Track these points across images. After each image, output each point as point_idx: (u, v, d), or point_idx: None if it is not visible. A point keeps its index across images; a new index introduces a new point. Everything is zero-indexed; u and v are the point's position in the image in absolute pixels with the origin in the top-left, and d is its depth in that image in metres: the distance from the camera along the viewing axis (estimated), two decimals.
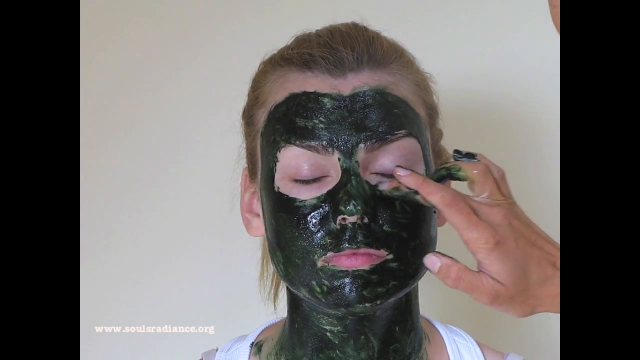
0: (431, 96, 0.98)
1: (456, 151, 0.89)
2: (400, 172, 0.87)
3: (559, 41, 0.89)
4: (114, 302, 1.38)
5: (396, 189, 0.87)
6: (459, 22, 1.34)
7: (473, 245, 0.84)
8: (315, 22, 0.99)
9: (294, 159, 0.91)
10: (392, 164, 0.90)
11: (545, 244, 0.86)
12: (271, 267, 1.08)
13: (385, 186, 0.88)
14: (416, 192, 0.86)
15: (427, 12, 1.35)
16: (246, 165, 1.01)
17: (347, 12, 1.01)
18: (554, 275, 0.85)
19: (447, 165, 0.87)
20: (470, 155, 0.88)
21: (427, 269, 0.87)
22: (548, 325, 1.31)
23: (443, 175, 0.88)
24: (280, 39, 0.99)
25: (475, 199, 0.86)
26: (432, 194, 0.84)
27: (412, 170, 0.87)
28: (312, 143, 0.90)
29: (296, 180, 0.91)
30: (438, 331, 1.02)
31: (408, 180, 0.86)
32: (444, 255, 0.86)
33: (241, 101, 1.01)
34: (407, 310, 0.96)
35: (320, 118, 0.91)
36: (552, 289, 0.85)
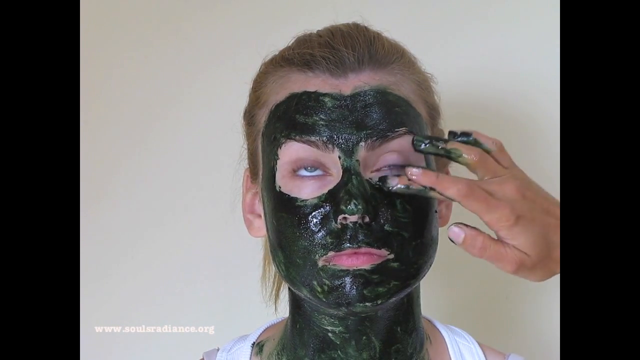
0: (432, 96, 0.98)
1: (451, 132, 0.89)
2: (414, 172, 0.86)
3: (559, 41, 0.89)
4: (114, 302, 1.38)
5: (406, 185, 0.87)
6: (459, 23, 1.34)
7: (495, 226, 0.85)
8: (316, 22, 0.99)
9: (294, 154, 0.91)
10: (392, 161, 0.90)
11: (557, 209, 0.87)
12: (273, 269, 1.08)
13: (394, 183, 0.88)
14: (432, 189, 0.86)
15: (427, 12, 1.35)
16: (247, 166, 1.01)
17: (348, 12, 1.01)
18: None
19: (448, 147, 0.87)
20: (466, 134, 0.88)
21: (451, 239, 0.87)
22: (548, 325, 1.31)
23: (440, 155, 0.88)
24: (282, 39, 0.99)
25: (486, 179, 0.86)
26: (448, 189, 0.85)
27: (423, 168, 0.87)
28: (312, 138, 0.90)
29: (297, 177, 0.91)
30: (439, 332, 1.02)
31: (422, 179, 0.86)
32: (467, 225, 0.86)
33: (242, 102, 1.01)
34: (408, 311, 0.96)
35: (321, 116, 0.91)
36: None
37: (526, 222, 0.85)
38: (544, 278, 0.88)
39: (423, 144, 0.88)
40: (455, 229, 0.86)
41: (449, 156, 0.87)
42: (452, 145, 0.87)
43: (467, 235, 0.86)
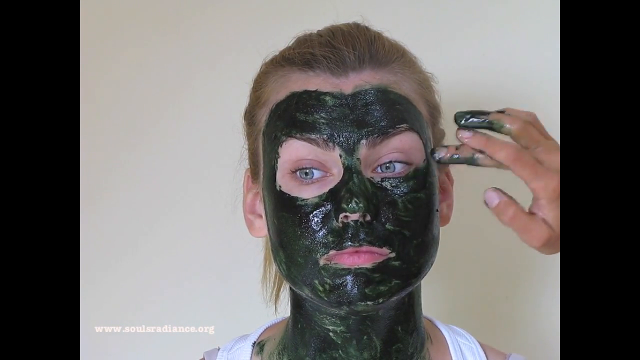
0: (433, 95, 0.98)
1: (484, 113, 0.87)
2: (464, 134, 0.85)
3: (559, 41, 0.89)
4: (114, 302, 1.38)
5: (456, 154, 0.86)
6: (459, 23, 1.34)
7: (540, 193, 0.83)
8: (316, 22, 1.00)
9: (295, 152, 0.91)
10: (393, 159, 0.90)
11: None
12: (273, 269, 1.08)
13: (443, 154, 0.87)
14: (481, 152, 0.85)
15: (427, 12, 1.35)
16: (248, 166, 1.01)
17: (349, 12, 1.01)
18: None
19: (490, 119, 0.86)
20: (499, 112, 0.87)
21: (485, 203, 0.85)
22: (548, 325, 1.31)
23: (483, 127, 0.86)
24: (282, 39, 0.99)
25: (533, 148, 0.85)
26: (497, 152, 0.83)
27: (475, 132, 0.86)
28: (313, 136, 0.90)
29: (298, 176, 0.91)
30: (440, 331, 1.02)
31: (473, 141, 0.85)
32: (504, 193, 0.85)
33: (243, 102, 1.01)
34: (409, 311, 0.96)
35: (322, 114, 0.91)
36: None
37: None
38: (556, 252, 0.87)
39: (465, 119, 0.86)
40: (492, 193, 0.84)
41: (492, 127, 0.86)
42: (494, 117, 0.86)
43: (501, 202, 0.84)
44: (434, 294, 1.26)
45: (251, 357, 1.01)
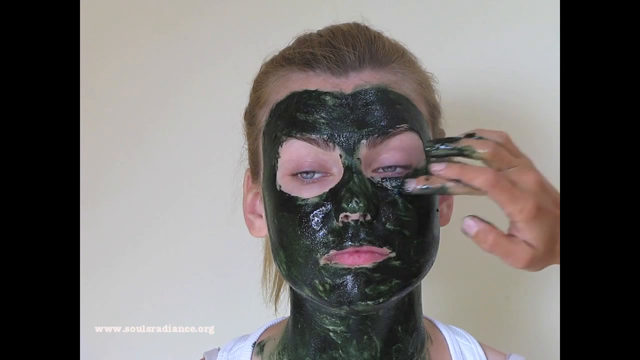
0: (433, 95, 0.98)
1: (454, 138, 0.88)
2: (437, 167, 0.86)
3: (559, 41, 0.89)
4: (114, 302, 1.38)
5: (425, 185, 0.86)
6: (459, 23, 1.34)
7: (516, 217, 0.84)
8: (316, 23, 1.00)
9: (295, 152, 0.91)
10: (394, 159, 0.90)
11: (559, 200, 0.87)
12: (273, 270, 1.08)
13: (413, 185, 0.87)
14: (457, 181, 0.85)
15: (427, 12, 1.35)
16: (248, 167, 1.01)
17: (349, 12, 1.01)
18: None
19: (460, 145, 0.86)
20: (470, 135, 0.88)
21: (463, 231, 0.86)
22: (548, 325, 1.31)
23: (454, 155, 0.87)
24: (282, 39, 0.99)
25: (507, 171, 0.86)
26: (474, 179, 0.84)
27: (447, 161, 0.86)
28: (313, 136, 0.90)
29: (298, 176, 0.91)
30: (440, 331, 1.02)
31: (448, 172, 0.85)
32: (481, 219, 0.86)
33: (243, 102, 1.01)
34: (410, 311, 0.96)
35: (322, 114, 0.91)
36: None
37: (544, 214, 0.85)
38: (540, 269, 0.88)
39: (434, 148, 0.87)
40: (470, 222, 0.86)
41: (462, 154, 0.87)
42: (464, 143, 0.86)
43: (480, 230, 0.85)
44: (434, 294, 1.26)
45: (251, 358, 1.01)
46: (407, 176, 0.91)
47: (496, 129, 0.89)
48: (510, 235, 0.86)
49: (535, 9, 1.33)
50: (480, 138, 0.87)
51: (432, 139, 0.92)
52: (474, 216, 0.86)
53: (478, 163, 0.86)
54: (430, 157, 0.88)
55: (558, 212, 0.86)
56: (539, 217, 0.84)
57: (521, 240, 0.85)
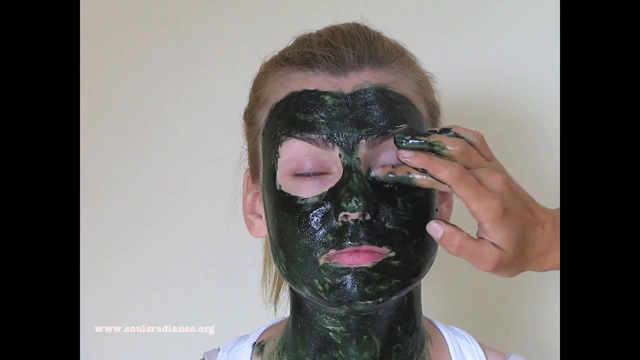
0: (433, 95, 0.98)
1: (431, 130, 0.88)
2: (405, 154, 0.86)
3: (559, 41, 0.89)
4: (114, 302, 1.38)
5: (391, 173, 0.87)
6: (459, 23, 1.34)
7: (482, 216, 0.84)
8: (316, 23, 1.00)
9: (294, 152, 0.91)
10: (393, 159, 0.90)
11: (534, 206, 0.88)
12: (273, 270, 1.08)
13: (378, 172, 0.88)
14: (424, 171, 0.85)
15: (427, 12, 1.35)
16: (248, 167, 1.01)
17: (348, 12, 1.01)
18: (542, 237, 0.87)
19: (431, 140, 0.87)
20: (445, 130, 0.88)
21: (430, 236, 0.87)
22: (548, 325, 1.31)
23: (424, 150, 0.87)
24: (282, 40, 0.99)
25: (475, 170, 0.86)
26: (440, 171, 0.85)
27: (416, 151, 0.87)
28: (312, 136, 0.90)
29: (298, 176, 0.91)
30: (440, 332, 1.02)
31: (415, 160, 0.86)
32: (447, 223, 0.86)
33: (242, 103, 1.01)
34: (409, 310, 0.96)
35: (321, 114, 0.91)
36: (540, 250, 0.87)
37: (511, 216, 0.85)
38: (512, 275, 0.88)
39: (405, 141, 0.87)
40: (435, 225, 0.86)
41: (432, 149, 0.87)
42: (435, 138, 0.87)
43: (445, 232, 0.86)
44: (434, 294, 1.26)
45: (251, 358, 1.01)
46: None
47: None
48: (478, 239, 0.86)
49: (535, 9, 1.33)
50: (454, 134, 0.87)
51: (403, 129, 0.91)
52: (439, 219, 0.86)
53: None
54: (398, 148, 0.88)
55: (529, 215, 0.86)
56: (506, 218, 0.84)
57: (488, 242, 0.85)
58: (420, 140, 0.87)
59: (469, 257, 0.86)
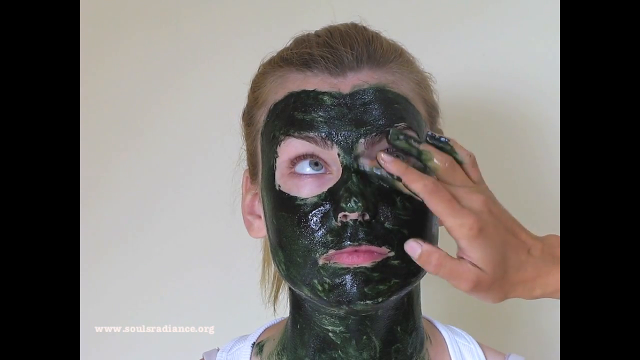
0: (431, 95, 0.98)
1: (429, 135, 0.88)
2: (384, 158, 0.86)
3: (559, 41, 0.89)
4: (114, 302, 1.38)
5: (377, 168, 0.87)
6: (458, 22, 1.34)
7: (457, 232, 0.84)
8: (314, 23, 1.00)
9: (293, 150, 0.91)
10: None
11: (520, 230, 0.87)
12: (272, 270, 1.08)
13: (366, 162, 0.88)
14: (399, 179, 0.86)
15: (426, 12, 1.35)
16: (247, 167, 1.01)
17: (347, 13, 1.01)
18: (527, 262, 0.86)
19: (421, 148, 0.87)
20: (442, 141, 0.87)
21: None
22: (548, 325, 1.31)
23: (411, 155, 0.87)
24: (280, 40, 0.99)
25: (455, 187, 0.86)
26: (414, 182, 0.84)
27: (396, 157, 0.86)
28: (311, 134, 0.90)
29: (297, 176, 0.91)
30: (439, 332, 1.02)
31: (391, 166, 0.86)
32: (424, 241, 0.86)
33: (241, 103, 1.01)
34: (409, 310, 0.96)
35: (320, 113, 0.91)
36: (526, 275, 0.86)
37: (488, 235, 0.84)
38: (499, 300, 0.86)
39: (397, 139, 0.87)
40: (413, 243, 0.85)
41: (419, 157, 0.87)
42: (425, 147, 0.87)
43: (423, 251, 0.85)
44: (434, 294, 1.26)
45: (250, 358, 1.01)
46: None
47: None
48: (458, 258, 0.85)
49: (535, 9, 1.33)
50: (449, 148, 0.87)
51: (401, 127, 0.91)
52: (416, 239, 0.86)
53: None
54: (389, 144, 0.88)
55: (512, 239, 0.85)
56: (482, 237, 0.83)
57: (467, 262, 0.84)
58: (411, 144, 0.87)
59: (447, 276, 0.85)
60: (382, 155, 0.86)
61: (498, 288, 0.85)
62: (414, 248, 0.85)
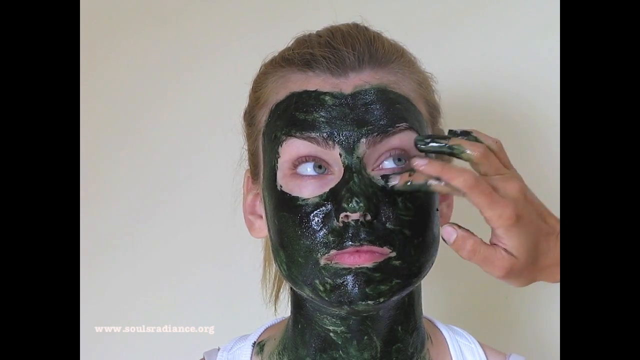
0: (433, 95, 0.98)
1: (451, 131, 0.89)
2: (419, 162, 0.86)
3: (559, 41, 0.89)
4: (114, 302, 1.38)
5: (408, 183, 0.87)
6: (459, 22, 1.34)
7: (495, 222, 0.85)
8: (316, 23, 1.00)
9: (295, 150, 0.91)
10: (393, 158, 0.90)
11: (547, 215, 0.88)
12: (273, 270, 1.08)
13: (397, 181, 0.88)
14: (438, 179, 0.85)
15: (427, 13, 1.35)
16: (248, 168, 1.01)
17: (348, 13, 1.01)
18: (555, 247, 0.87)
19: (450, 143, 0.87)
20: (465, 133, 0.88)
21: (443, 239, 0.87)
22: (548, 325, 1.31)
23: (444, 152, 0.88)
24: (282, 40, 0.99)
25: (491, 177, 0.86)
26: (454, 178, 0.84)
27: (429, 158, 0.87)
28: (313, 134, 0.90)
29: (298, 176, 0.91)
30: (440, 331, 1.02)
31: (429, 168, 0.86)
32: (460, 227, 0.86)
33: (242, 103, 1.01)
34: (410, 310, 0.96)
35: (321, 113, 0.91)
36: (551, 260, 0.87)
37: (524, 223, 0.85)
38: (524, 284, 0.88)
39: (424, 144, 0.88)
40: (449, 228, 0.86)
41: (452, 152, 0.87)
42: (455, 142, 0.87)
43: (458, 236, 0.86)
44: (434, 294, 1.26)
45: (251, 357, 1.01)
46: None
47: (495, 131, 0.89)
48: (491, 245, 0.86)
49: (535, 9, 1.33)
50: (474, 138, 0.87)
51: (424, 134, 0.92)
52: (452, 224, 0.87)
53: (466, 164, 0.87)
54: (420, 152, 0.88)
55: (544, 225, 0.86)
56: (519, 226, 0.84)
57: (501, 249, 0.85)
58: (440, 142, 0.87)
59: (480, 262, 0.86)
60: (417, 161, 0.86)
61: (527, 274, 0.87)
62: (449, 233, 0.86)
